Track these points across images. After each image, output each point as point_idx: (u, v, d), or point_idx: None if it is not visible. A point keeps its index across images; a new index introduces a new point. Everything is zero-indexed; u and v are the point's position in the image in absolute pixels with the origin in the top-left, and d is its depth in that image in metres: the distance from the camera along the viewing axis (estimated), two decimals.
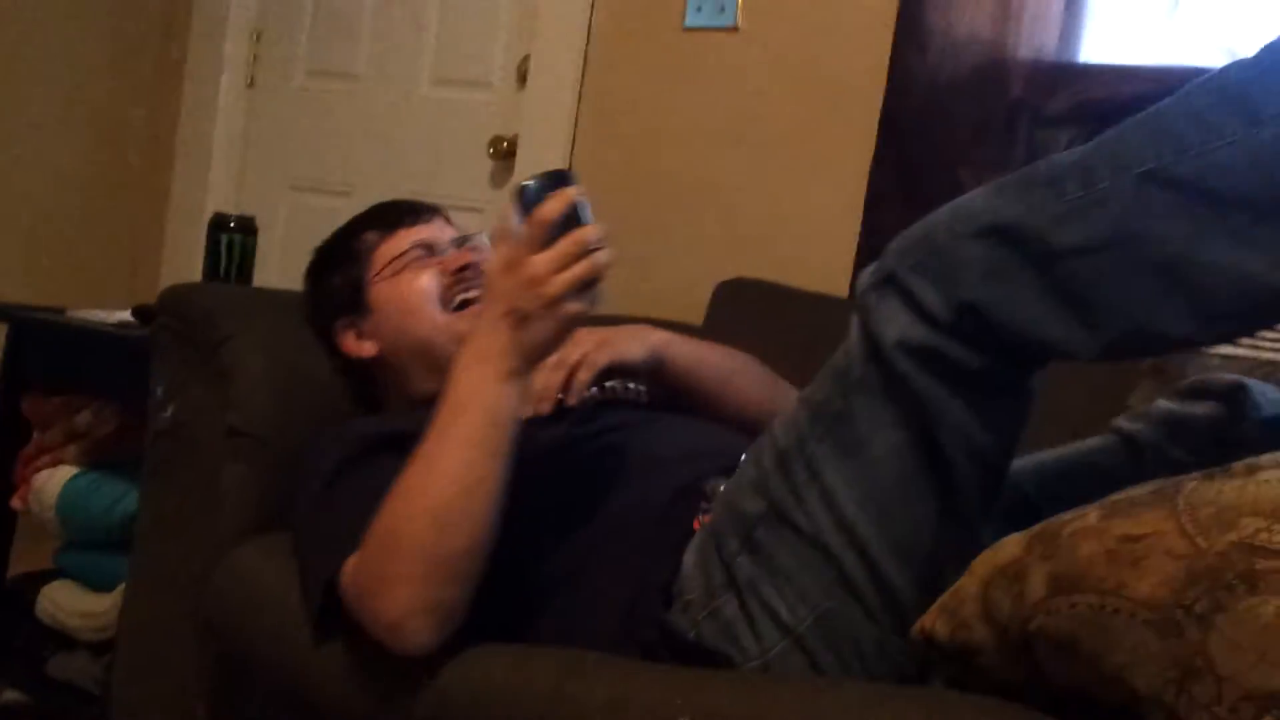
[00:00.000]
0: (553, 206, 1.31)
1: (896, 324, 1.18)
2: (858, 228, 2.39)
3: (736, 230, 2.59)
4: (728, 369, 1.79)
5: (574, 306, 1.31)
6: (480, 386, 1.34)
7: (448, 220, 1.87)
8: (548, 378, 1.62)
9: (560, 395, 1.63)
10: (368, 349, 1.79)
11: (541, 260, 1.30)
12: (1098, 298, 1.13)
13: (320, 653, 1.44)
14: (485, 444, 1.33)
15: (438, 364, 1.65)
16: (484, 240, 1.81)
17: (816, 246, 2.47)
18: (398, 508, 1.32)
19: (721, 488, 1.43)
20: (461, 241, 1.81)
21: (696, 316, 2.39)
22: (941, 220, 1.19)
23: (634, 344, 1.70)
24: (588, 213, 1.33)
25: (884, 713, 1.10)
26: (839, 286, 2.38)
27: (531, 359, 1.35)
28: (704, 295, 2.40)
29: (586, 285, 1.31)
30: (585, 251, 1.30)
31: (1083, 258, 1.12)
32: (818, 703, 1.15)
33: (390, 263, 1.77)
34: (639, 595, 1.39)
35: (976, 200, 1.19)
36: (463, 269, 1.74)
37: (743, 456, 1.39)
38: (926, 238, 1.19)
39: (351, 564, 1.37)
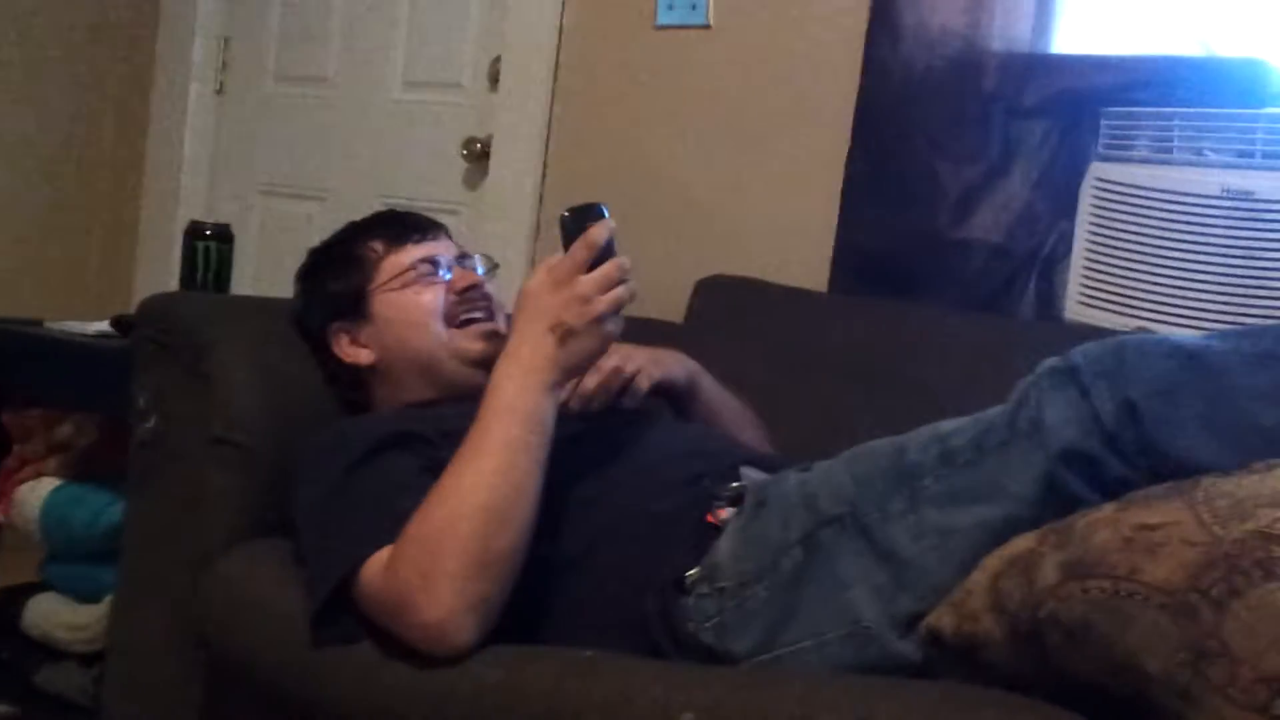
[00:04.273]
0: (600, 233, 1.43)
1: (1061, 414, 1.21)
2: (835, 222, 2.39)
3: (714, 227, 2.60)
4: (735, 407, 1.90)
5: (612, 326, 1.43)
6: (524, 394, 1.41)
7: (449, 237, 1.91)
8: (606, 379, 1.71)
9: (617, 398, 1.73)
10: (364, 356, 1.81)
11: (589, 280, 1.42)
12: (1259, 442, 1.15)
13: (317, 656, 1.44)
14: (528, 449, 1.40)
15: (433, 377, 1.76)
16: (478, 262, 1.87)
17: (794, 242, 2.48)
18: (446, 505, 1.36)
19: (739, 485, 1.48)
20: (462, 258, 1.85)
21: (676, 314, 2.39)
22: (1139, 339, 1.23)
23: (679, 366, 1.84)
24: (616, 244, 1.46)
25: (889, 706, 1.11)
26: (818, 281, 2.39)
27: (571, 372, 1.46)
28: (683, 293, 2.41)
29: (619, 309, 1.43)
30: (624, 277, 1.42)
31: (1258, 403, 1.16)
32: (820, 698, 1.16)
33: (397, 275, 1.80)
34: (646, 584, 1.42)
35: (1185, 336, 1.24)
36: (468, 289, 1.79)
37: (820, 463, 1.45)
38: (1119, 347, 1.22)
39: (382, 562, 1.38)
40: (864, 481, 1.33)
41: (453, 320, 1.78)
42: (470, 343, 1.76)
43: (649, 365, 1.77)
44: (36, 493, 2.32)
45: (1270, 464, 1.09)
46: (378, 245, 1.83)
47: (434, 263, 1.81)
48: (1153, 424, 1.16)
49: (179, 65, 3.62)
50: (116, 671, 1.91)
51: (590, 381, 1.69)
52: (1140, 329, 1.94)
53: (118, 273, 3.66)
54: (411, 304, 1.78)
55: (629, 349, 1.74)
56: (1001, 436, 1.25)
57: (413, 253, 1.82)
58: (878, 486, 1.31)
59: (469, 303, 1.79)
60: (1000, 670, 1.13)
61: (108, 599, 2.04)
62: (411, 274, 1.80)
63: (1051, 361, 1.26)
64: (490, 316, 1.79)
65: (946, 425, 1.32)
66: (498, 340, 1.72)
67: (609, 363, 1.70)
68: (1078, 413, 1.20)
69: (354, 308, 1.81)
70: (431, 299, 1.78)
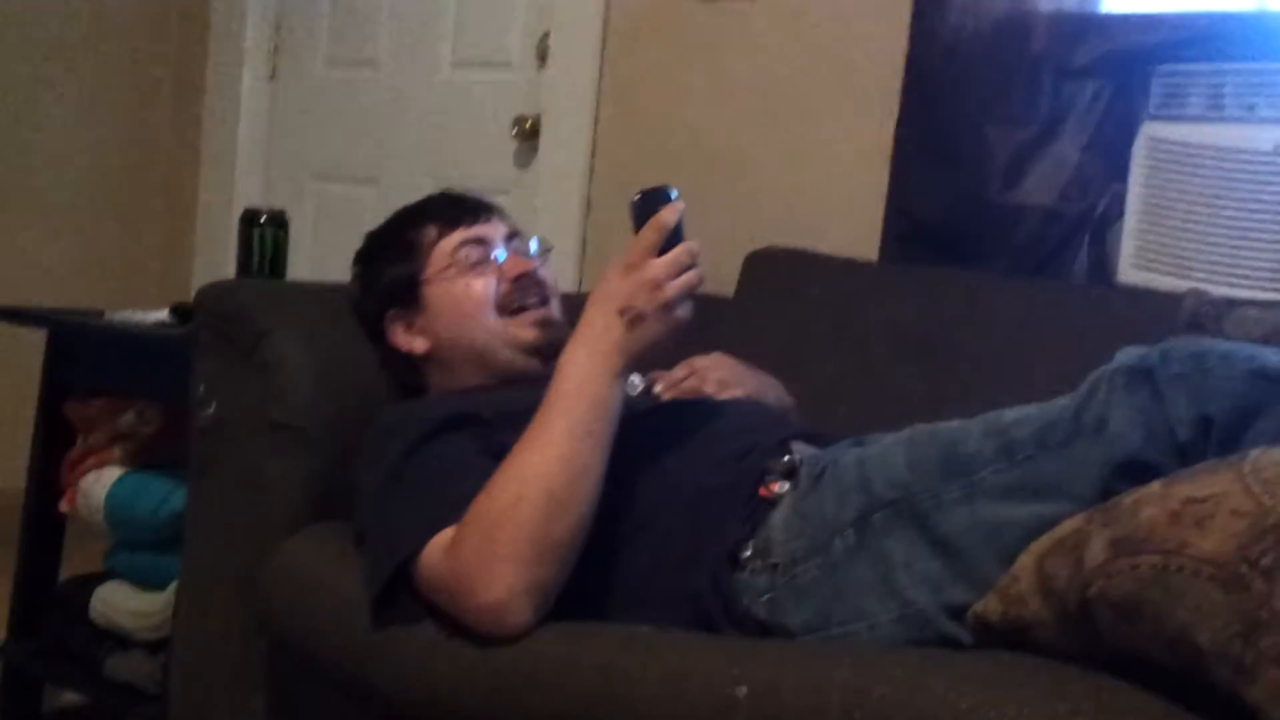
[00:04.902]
0: (670, 215, 1.43)
1: (1129, 418, 1.19)
2: (885, 191, 2.38)
3: (763, 199, 2.59)
4: None
5: (682, 312, 1.42)
6: (591, 379, 1.42)
7: (503, 217, 1.89)
8: (695, 386, 1.76)
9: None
10: (419, 345, 1.81)
11: (660, 264, 1.41)
12: None
13: (378, 637, 1.45)
14: (592, 434, 1.40)
15: (488, 365, 1.76)
16: (533, 244, 1.86)
17: (844, 211, 2.47)
18: (508, 488, 1.37)
19: (791, 459, 1.49)
20: (512, 237, 1.84)
21: (727, 287, 2.39)
22: (1222, 349, 1.20)
23: (772, 393, 1.87)
24: (684, 228, 1.44)
25: (943, 677, 1.11)
26: (868, 251, 2.38)
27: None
28: (734, 266, 2.40)
29: (689, 293, 1.42)
30: (694, 261, 1.42)
31: None
32: (874, 670, 1.16)
33: (449, 265, 1.79)
34: (699, 559, 1.43)
35: (1269, 351, 1.20)
36: (520, 277, 1.78)
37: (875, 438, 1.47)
38: (1200, 355, 1.20)
39: (444, 541, 1.39)
40: (920, 467, 1.33)
41: (506, 308, 1.76)
42: (524, 330, 1.75)
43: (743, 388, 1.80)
44: (101, 482, 2.34)
45: None
46: (430, 230, 1.82)
47: (486, 244, 1.80)
48: (1228, 445, 1.14)
49: (231, 52, 3.65)
50: (182, 658, 1.93)
51: (687, 385, 1.74)
52: (1194, 290, 1.91)
53: (176, 261, 3.70)
54: (463, 295, 1.77)
55: (737, 369, 1.83)
56: (1064, 433, 1.24)
57: (465, 236, 1.81)
58: (934, 474, 1.31)
59: (522, 290, 1.77)
60: (1050, 651, 1.12)
61: (172, 586, 2.06)
62: (464, 260, 1.78)
63: (1127, 358, 1.24)
64: (544, 302, 1.78)
65: (1009, 415, 1.31)
66: (551, 327, 1.73)
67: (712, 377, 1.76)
68: (1147, 419, 1.18)
69: (408, 296, 1.81)
70: (483, 288, 1.77)
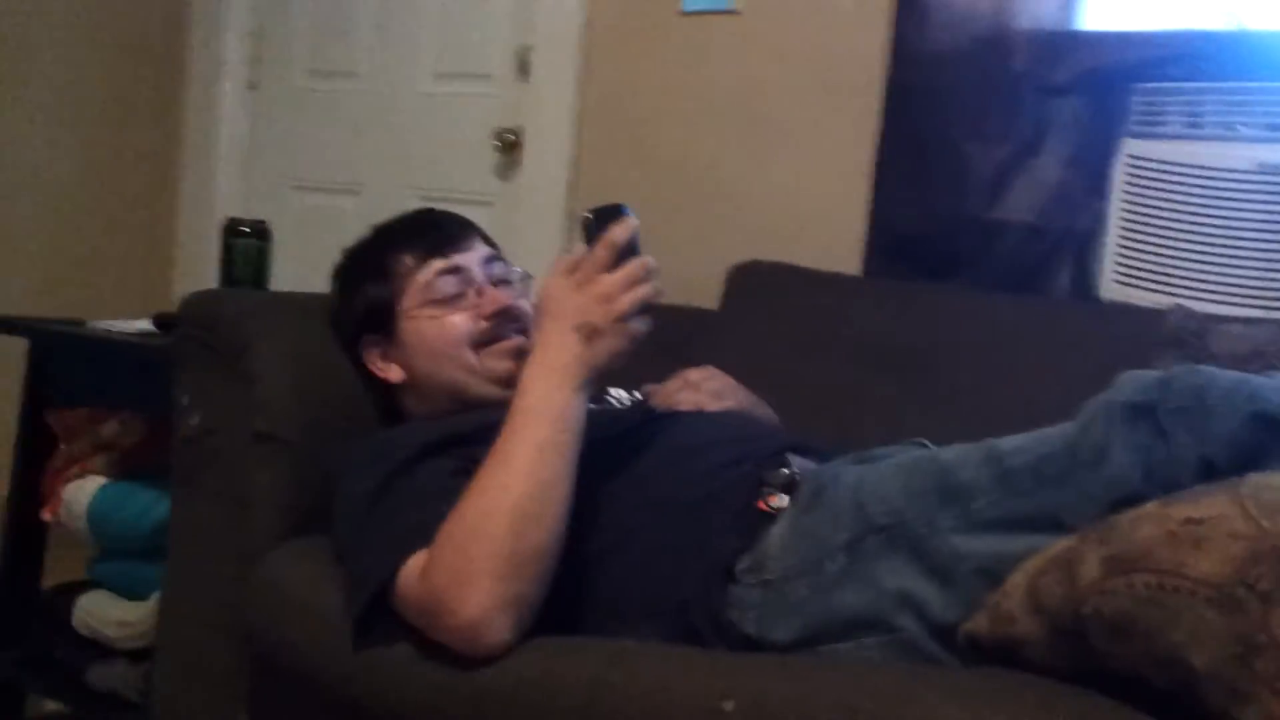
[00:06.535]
0: (621, 232, 1.43)
1: (1129, 456, 1.19)
2: (867, 206, 2.39)
3: (747, 213, 2.60)
4: None
5: (637, 325, 1.43)
6: (551, 394, 1.42)
7: (483, 238, 1.87)
8: (691, 398, 1.78)
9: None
10: (394, 374, 1.80)
11: (612, 280, 1.42)
12: None
13: (360, 656, 1.44)
14: (558, 448, 1.40)
15: (462, 397, 1.75)
16: (516, 271, 1.85)
17: (827, 226, 2.48)
18: (477, 506, 1.37)
19: (790, 472, 1.49)
20: (491, 262, 1.82)
21: (710, 301, 2.39)
22: (1224, 384, 1.19)
23: (760, 409, 1.88)
24: (639, 243, 1.46)
25: (931, 692, 1.11)
26: (852, 265, 2.39)
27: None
28: (716, 279, 2.41)
29: (645, 307, 1.43)
30: (648, 275, 1.43)
31: None
32: (863, 685, 1.16)
33: (427, 300, 1.77)
34: (687, 570, 1.43)
35: (1271, 390, 1.19)
36: (498, 313, 1.76)
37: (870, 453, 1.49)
38: (1201, 389, 1.19)
39: (419, 564, 1.38)
40: (916, 494, 1.33)
41: (483, 344, 1.75)
42: (498, 362, 1.74)
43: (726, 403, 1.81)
44: (84, 491, 2.34)
45: None
46: (407, 259, 1.79)
47: (463, 273, 1.78)
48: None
49: (211, 62, 3.64)
50: (164, 668, 1.93)
51: (681, 397, 1.76)
52: (1178, 306, 1.93)
53: (158, 271, 3.68)
54: (438, 334, 1.75)
55: (728, 382, 1.84)
56: (1061, 466, 1.23)
57: (442, 265, 1.78)
58: (930, 501, 1.31)
59: (499, 325, 1.75)
60: (1040, 669, 1.12)
61: (155, 596, 2.06)
62: (439, 293, 1.76)
63: (1126, 390, 1.23)
64: (521, 332, 1.76)
65: (1004, 444, 1.30)
66: (525, 357, 1.72)
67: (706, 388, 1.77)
68: (1146, 458, 1.18)
69: (384, 325, 1.79)
70: (459, 326, 1.75)
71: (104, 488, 2.33)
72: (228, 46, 3.62)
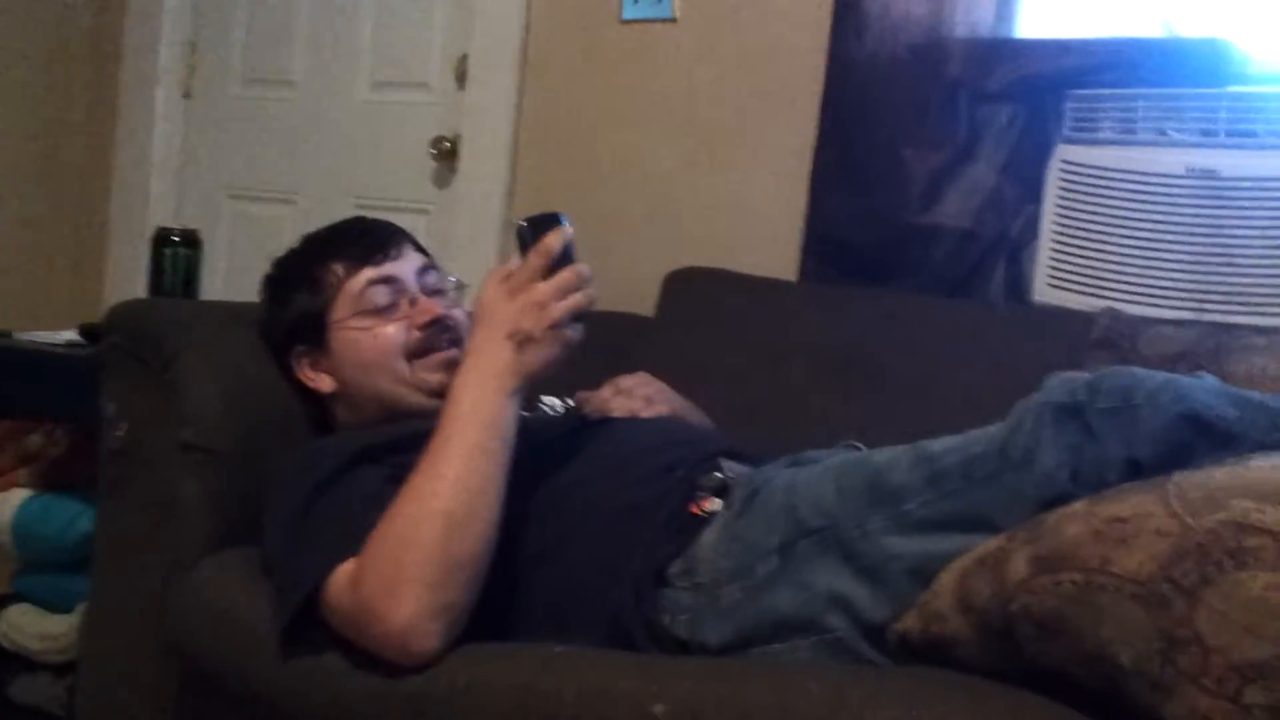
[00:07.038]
0: (555, 240, 1.44)
1: (1057, 457, 1.19)
2: (804, 211, 2.39)
3: (683, 220, 2.60)
4: None
5: (571, 333, 1.43)
6: (482, 401, 1.42)
7: (416, 247, 1.84)
8: (624, 404, 1.78)
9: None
10: (324, 384, 1.78)
11: (545, 288, 1.43)
12: None
13: (289, 666, 1.43)
14: (488, 454, 1.40)
15: (394, 408, 1.72)
16: (449, 280, 1.83)
17: (763, 232, 2.48)
18: (407, 513, 1.36)
19: (722, 476, 1.50)
20: (425, 271, 1.79)
21: (646, 308, 2.39)
22: (1151, 385, 1.20)
23: (694, 415, 1.89)
24: (575, 252, 1.46)
25: (860, 690, 1.11)
26: (788, 271, 2.39)
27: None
28: (653, 286, 2.41)
29: (579, 315, 1.44)
30: (582, 283, 1.43)
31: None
32: (793, 687, 1.16)
33: (357, 311, 1.74)
34: (619, 575, 1.42)
35: (1198, 389, 1.20)
36: (429, 323, 1.73)
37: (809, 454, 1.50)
38: (1129, 390, 1.20)
39: (348, 572, 1.37)
40: (847, 496, 1.33)
41: (414, 355, 1.72)
42: (430, 374, 1.71)
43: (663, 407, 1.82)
44: (8, 504, 2.32)
45: (1242, 457, 1.09)
46: (338, 268, 1.76)
47: (395, 284, 1.75)
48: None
49: (145, 70, 3.59)
50: (88, 681, 1.90)
51: (614, 404, 1.77)
52: (1108, 309, 1.94)
53: (87, 281, 3.63)
54: (369, 345, 1.72)
55: (662, 388, 1.85)
56: (991, 466, 1.24)
57: (373, 275, 1.75)
58: (861, 503, 1.31)
59: (431, 336, 1.73)
60: (970, 667, 1.12)
61: (80, 609, 2.03)
62: (370, 303, 1.73)
63: (1054, 392, 1.23)
64: (455, 343, 1.73)
65: (935, 445, 1.31)
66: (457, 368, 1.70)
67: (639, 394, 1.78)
68: (1075, 458, 1.18)
69: (314, 335, 1.76)
70: (391, 337, 1.72)
71: (28, 500, 2.31)
72: (162, 55, 3.57)
